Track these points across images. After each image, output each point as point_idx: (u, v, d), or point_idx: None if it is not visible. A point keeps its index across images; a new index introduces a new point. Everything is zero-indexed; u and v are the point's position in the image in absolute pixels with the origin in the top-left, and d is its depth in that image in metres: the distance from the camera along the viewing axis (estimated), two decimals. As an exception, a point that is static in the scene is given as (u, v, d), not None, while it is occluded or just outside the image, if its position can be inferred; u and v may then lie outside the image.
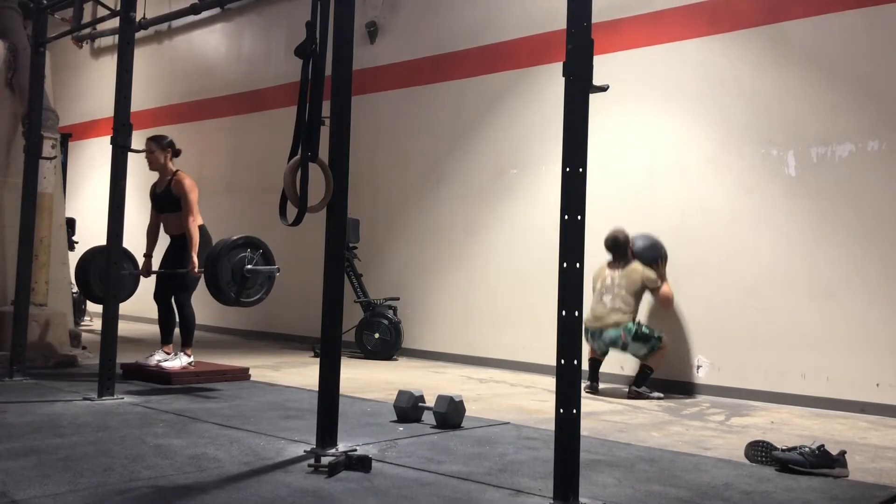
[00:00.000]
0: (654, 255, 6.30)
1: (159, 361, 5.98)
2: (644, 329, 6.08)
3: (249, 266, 5.41)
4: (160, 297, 6.18)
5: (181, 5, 10.29)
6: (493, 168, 7.90)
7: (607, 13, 6.87)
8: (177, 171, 6.18)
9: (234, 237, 5.46)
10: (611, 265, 6.29)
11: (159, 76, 11.86)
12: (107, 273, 5.14)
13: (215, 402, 5.07)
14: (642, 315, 6.36)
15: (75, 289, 8.79)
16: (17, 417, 4.31)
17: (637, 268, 6.19)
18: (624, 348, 6.11)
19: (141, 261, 6.34)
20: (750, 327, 6.16)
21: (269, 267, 5.50)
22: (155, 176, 6.33)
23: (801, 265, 5.98)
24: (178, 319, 6.14)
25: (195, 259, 5.88)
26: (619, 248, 6.27)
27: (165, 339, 6.17)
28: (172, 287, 6.09)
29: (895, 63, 5.71)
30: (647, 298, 6.34)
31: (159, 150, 6.13)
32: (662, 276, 6.27)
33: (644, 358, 6.10)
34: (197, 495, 2.92)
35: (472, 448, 3.90)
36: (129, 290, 6.27)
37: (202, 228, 6.14)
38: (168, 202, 6.12)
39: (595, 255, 6.22)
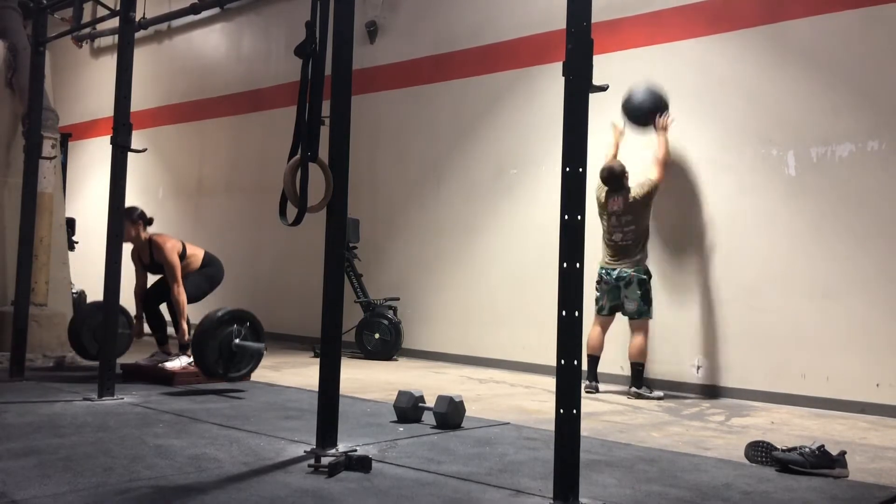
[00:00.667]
0: (655, 108, 6.30)
1: (159, 362, 5.99)
2: (648, 282, 6.17)
3: (237, 341, 5.46)
4: (147, 304, 6.26)
5: (181, 5, 10.29)
6: (494, 168, 7.90)
7: (607, 13, 6.87)
8: (151, 237, 6.12)
9: (220, 313, 5.47)
10: (610, 196, 6.31)
11: (159, 76, 11.86)
12: (107, 271, 5.14)
13: (215, 402, 5.07)
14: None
15: (75, 289, 8.80)
16: (17, 417, 4.31)
17: (637, 193, 6.22)
18: (627, 286, 6.13)
19: (135, 311, 6.32)
20: (750, 327, 6.16)
21: (256, 345, 5.56)
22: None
23: (801, 265, 5.98)
24: (163, 320, 6.22)
25: (185, 327, 5.97)
26: (616, 179, 6.29)
27: (160, 340, 6.21)
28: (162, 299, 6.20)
29: (895, 63, 5.70)
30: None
31: (129, 223, 5.89)
32: (665, 127, 6.29)
33: (634, 313, 6.11)
34: (197, 495, 2.92)
35: (472, 448, 3.90)
36: (123, 348, 6.26)
37: (206, 254, 6.30)
38: (159, 269, 6.15)
39: (595, 255, 6.23)
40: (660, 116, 6.33)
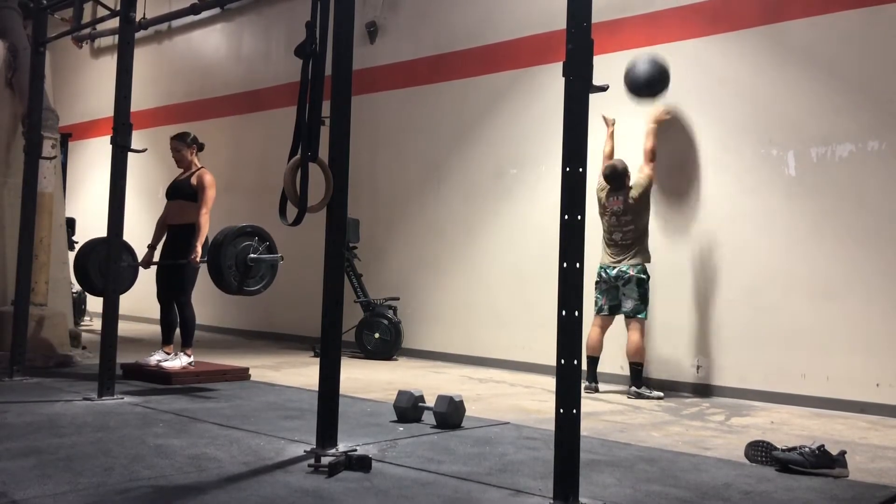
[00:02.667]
0: (658, 90, 6.34)
1: (159, 361, 5.98)
2: (647, 282, 6.16)
3: (253, 255, 5.38)
4: (162, 297, 6.20)
5: (181, 5, 10.30)
6: (494, 168, 7.90)
7: (607, 13, 6.87)
8: (201, 167, 6.23)
9: (243, 224, 5.43)
10: (610, 195, 6.32)
11: (159, 76, 11.86)
12: (107, 269, 5.14)
13: (215, 402, 5.08)
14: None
15: (75, 289, 8.81)
16: (17, 417, 4.31)
17: (633, 192, 6.23)
18: (626, 284, 6.14)
19: (142, 252, 6.28)
20: (750, 327, 6.16)
21: (272, 255, 5.46)
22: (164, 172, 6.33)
23: (801, 265, 5.98)
24: (178, 320, 6.14)
25: (199, 249, 5.85)
26: (618, 177, 6.31)
27: (166, 339, 6.17)
28: (172, 287, 6.08)
29: (895, 63, 5.71)
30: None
31: (185, 147, 6.19)
32: (658, 121, 6.36)
33: (629, 314, 6.14)
34: (197, 495, 2.92)
35: (472, 448, 3.90)
36: (129, 282, 6.25)
37: (192, 226, 6.09)
38: (182, 190, 6.13)
39: (595, 255, 6.23)
40: (658, 94, 6.33)
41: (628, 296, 6.16)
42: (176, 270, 6.00)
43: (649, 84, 6.32)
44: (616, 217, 6.26)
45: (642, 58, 6.39)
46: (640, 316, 6.16)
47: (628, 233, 6.23)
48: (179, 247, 5.97)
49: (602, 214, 6.37)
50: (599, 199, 6.39)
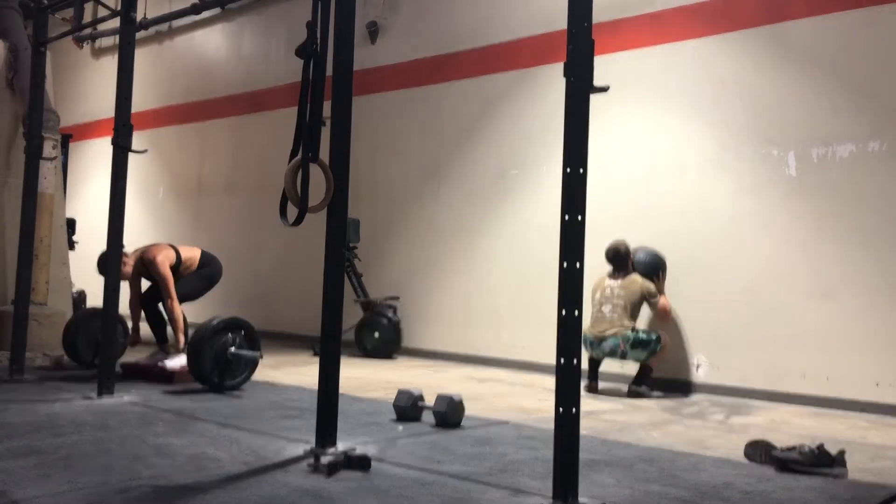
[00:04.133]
0: (655, 268, 6.30)
1: (158, 361, 5.99)
2: (641, 335, 6.07)
3: (232, 349, 5.43)
4: (147, 304, 6.33)
5: (181, 5, 10.29)
6: (494, 168, 7.91)
7: (608, 13, 6.87)
8: (142, 254, 6.21)
9: (215, 322, 5.46)
10: (611, 276, 6.29)
11: (160, 76, 11.86)
12: (107, 264, 5.14)
13: (215, 401, 5.08)
14: (641, 320, 6.34)
15: (75, 289, 8.81)
16: (17, 417, 4.31)
17: (636, 279, 6.19)
18: (623, 357, 6.10)
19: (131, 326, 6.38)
20: (750, 327, 6.16)
21: (251, 353, 5.51)
22: None
23: (801, 265, 5.98)
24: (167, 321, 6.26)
25: (182, 339, 6.04)
26: (620, 258, 6.27)
27: (158, 336, 6.24)
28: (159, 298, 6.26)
29: (895, 63, 5.71)
30: (645, 309, 6.33)
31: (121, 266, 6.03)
32: (661, 290, 6.27)
33: (645, 360, 6.11)
34: (197, 495, 2.93)
35: (472, 448, 3.90)
36: (118, 354, 6.28)
37: (203, 254, 6.38)
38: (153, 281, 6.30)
39: (595, 256, 6.22)
40: (657, 279, 6.29)
41: (637, 358, 6.06)
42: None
43: (649, 267, 6.32)
44: (611, 290, 6.18)
45: (640, 250, 6.38)
46: (657, 353, 6.06)
47: (618, 307, 6.12)
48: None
49: (595, 290, 6.24)
50: (596, 288, 6.25)
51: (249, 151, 10.44)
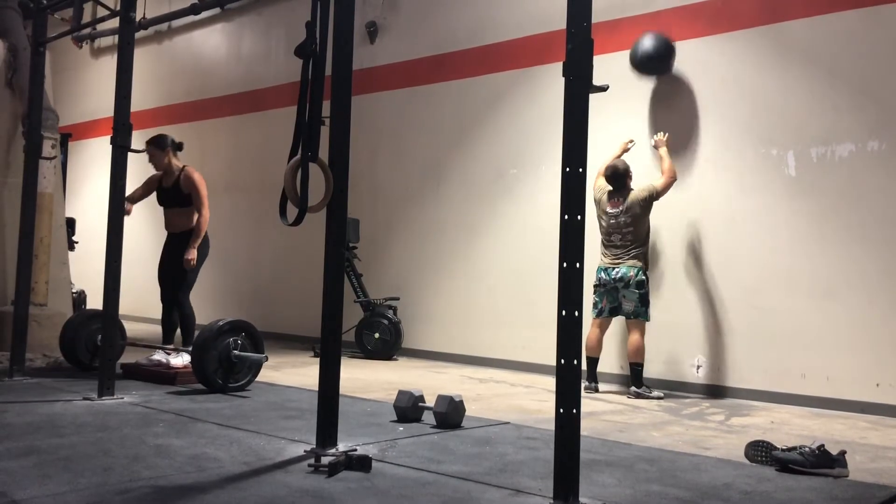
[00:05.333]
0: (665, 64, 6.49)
1: (160, 361, 5.98)
2: (647, 283, 6.14)
3: (236, 352, 5.42)
4: (165, 297, 6.24)
5: (181, 5, 10.29)
6: (494, 168, 7.90)
7: (607, 13, 6.87)
8: (184, 167, 6.20)
9: (220, 323, 5.45)
10: (611, 197, 6.30)
11: (159, 76, 11.86)
12: (107, 271, 5.14)
13: (215, 402, 5.07)
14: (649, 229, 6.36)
15: (75, 289, 8.80)
16: (17, 417, 4.31)
17: (636, 196, 6.21)
18: (626, 286, 6.11)
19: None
20: (750, 327, 6.16)
21: (256, 356, 5.50)
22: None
23: (801, 265, 5.98)
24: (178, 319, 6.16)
25: (194, 253, 5.94)
26: (619, 178, 6.29)
27: (166, 338, 6.19)
28: (173, 286, 6.11)
29: (895, 63, 5.70)
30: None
31: (159, 151, 6.12)
32: (661, 145, 6.34)
33: (629, 315, 6.12)
34: (197, 495, 2.93)
35: (472, 448, 3.90)
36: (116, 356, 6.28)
37: (190, 232, 6.17)
38: (175, 198, 6.14)
39: (595, 255, 6.23)
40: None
41: (628, 298, 6.14)
42: (180, 270, 6.06)
43: (658, 56, 6.42)
44: (615, 219, 6.25)
45: (648, 35, 6.50)
46: (640, 318, 6.15)
47: (627, 234, 6.20)
48: (180, 253, 6.05)
49: (600, 217, 6.34)
50: (599, 201, 6.37)
51: (249, 151, 10.44)
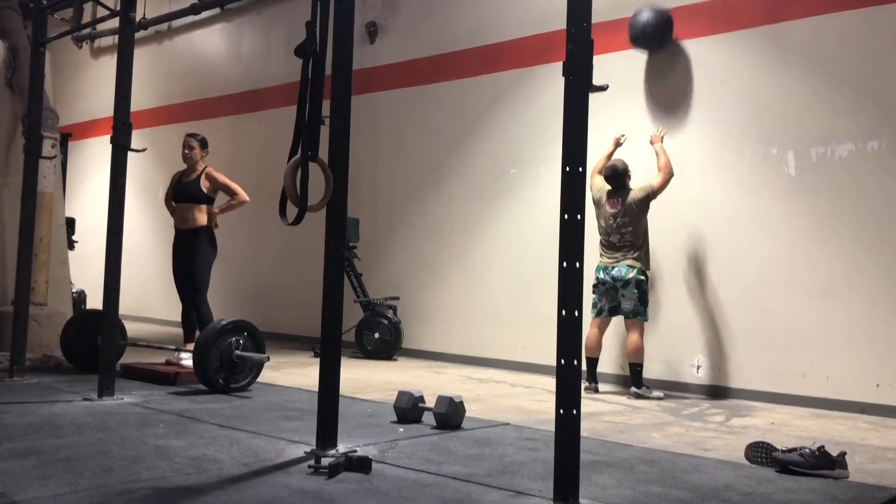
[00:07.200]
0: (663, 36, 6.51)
1: (183, 359, 6.03)
2: (645, 283, 6.13)
3: (238, 352, 5.42)
4: (183, 296, 6.36)
5: (181, 5, 10.28)
6: (494, 168, 7.90)
7: (607, 13, 6.86)
8: (206, 166, 6.40)
9: (222, 323, 5.48)
10: (610, 196, 6.29)
11: (159, 76, 11.86)
12: (107, 270, 5.14)
13: (215, 402, 5.07)
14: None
15: (75, 288, 8.80)
16: (17, 417, 4.30)
17: (634, 195, 6.21)
18: (625, 286, 6.10)
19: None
20: (750, 327, 6.16)
21: (258, 356, 5.50)
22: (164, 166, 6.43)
23: (801, 265, 5.98)
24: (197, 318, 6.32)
25: (222, 213, 6.38)
26: (619, 177, 6.28)
27: (188, 337, 6.25)
28: (189, 287, 6.26)
29: (895, 63, 5.70)
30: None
31: (200, 149, 6.39)
32: (658, 140, 6.35)
33: (628, 315, 6.12)
34: (197, 496, 2.92)
35: (472, 449, 3.90)
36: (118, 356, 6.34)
37: (210, 229, 6.36)
38: (193, 193, 6.30)
39: (595, 255, 6.23)
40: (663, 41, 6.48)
41: (627, 297, 6.14)
42: (191, 271, 6.21)
43: (656, 28, 6.45)
44: (614, 219, 6.24)
45: (646, 8, 6.53)
46: (639, 317, 6.15)
47: (626, 234, 6.20)
48: (189, 248, 6.20)
49: (599, 216, 6.34)
50: (598, 201, 6.36)
51: (249, 150, 10.43)
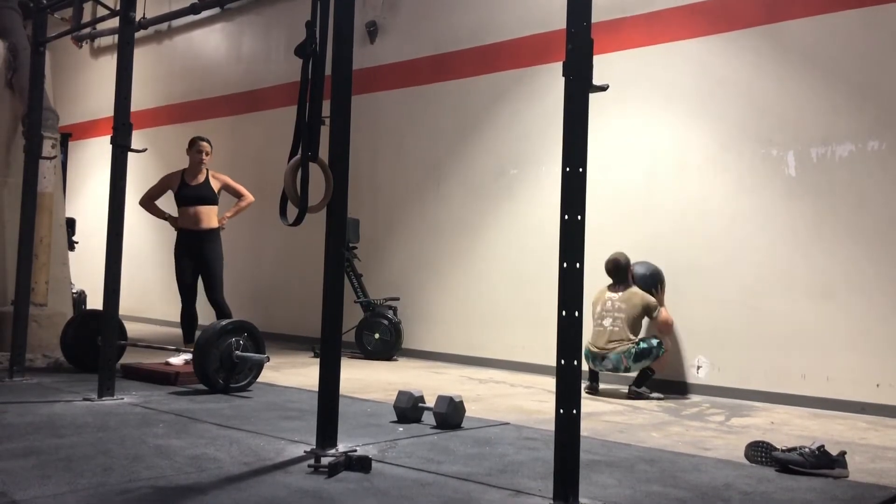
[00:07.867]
0: (653, 282, 6.31)
1: (186, 361, 6.03)
2: (643, 345, 6.04)
3: (238, 352, 5.43)
4: (189, 296, 6.43)
5: (181, 5, 10.27)
6: (494, 168, 7.90)
7: (607, 13, 6.87)
8: (208, 170, 6.53)
9: (222, 323, 5.50)
10: (611, 289, 6.26)
11: (159, 76, 11.86)
12: (107, 271, 5.14)
13: (215, 402, 5.07)
14: (642, 329, 6.28)
15: (75, 289, 8.80)
16: (17, 417, 4.31)
17: (637, 292, 6.16)
18: (627, 371, 6.08)
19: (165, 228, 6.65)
20: (750, 327, 6.16)
21: (258, 356, 5.50)
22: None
23: (801, 265, 5.98)
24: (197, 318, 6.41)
25: (232, 216, 6.56)
26: (620, 271, 6.24)
27: (188, 339, 6.30)
28: (208, 286, 6.36)
29: (895, 63, 5.70)
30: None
31: (210, 152, 6.52)
32: (661, 302, 6.25)
33: (648, 365, 6.10)
34: (197, 496, 2.92)
35: (472, 448, 3.90)
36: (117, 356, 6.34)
37: (218, 230, 6.48)
38: (206, 196, 6.41)
39: (595, 257, 6.21)
40: (657, 291, 6.29)
41: (642, 368, 6.04)
42: (213, 271, 6.33)
43: (648, 280, 6.34)
44: (611, 302, 6.16)
45: (638, 264, 6.40)
46: (658, 355, 6.06)
47: (618, 320, 6.09)
48: (209, 249, 6.34)
49: (596, 303, 6.22)
50: (597, 301, 6.22)
51: (249, 151, 10.43)
